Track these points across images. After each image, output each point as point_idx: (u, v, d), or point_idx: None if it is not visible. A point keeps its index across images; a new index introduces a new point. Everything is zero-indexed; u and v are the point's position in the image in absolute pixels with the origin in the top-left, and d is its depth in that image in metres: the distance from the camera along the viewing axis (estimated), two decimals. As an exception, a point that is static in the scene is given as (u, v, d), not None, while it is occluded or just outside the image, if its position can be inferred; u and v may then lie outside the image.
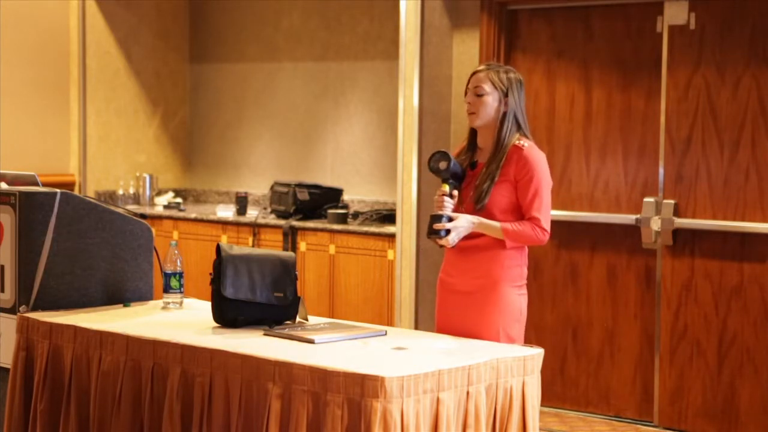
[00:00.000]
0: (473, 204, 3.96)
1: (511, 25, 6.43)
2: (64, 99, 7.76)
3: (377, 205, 7.14)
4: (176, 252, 4.29)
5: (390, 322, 6.32)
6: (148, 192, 7.82)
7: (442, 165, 3.96)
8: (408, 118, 6.34)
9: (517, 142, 3.99)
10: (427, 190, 6.25)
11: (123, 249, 4.38)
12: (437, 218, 3.91)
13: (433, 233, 3.92)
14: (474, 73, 4.06)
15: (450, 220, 3.91)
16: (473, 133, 4.11)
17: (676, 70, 5.93)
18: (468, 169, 4.04)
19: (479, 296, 3.96)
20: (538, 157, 3.98)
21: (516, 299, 3.98)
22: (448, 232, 3.90)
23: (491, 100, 4.00)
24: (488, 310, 3.94)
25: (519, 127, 4.02)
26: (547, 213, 3.96)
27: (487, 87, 4.00)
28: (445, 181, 3.97)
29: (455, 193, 3.96)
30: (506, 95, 4.00)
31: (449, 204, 3.94)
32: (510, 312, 3.96)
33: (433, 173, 4.00)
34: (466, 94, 4.06)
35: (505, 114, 4.00)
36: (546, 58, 6.35)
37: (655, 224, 5.98)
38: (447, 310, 4.07)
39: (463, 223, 3.91)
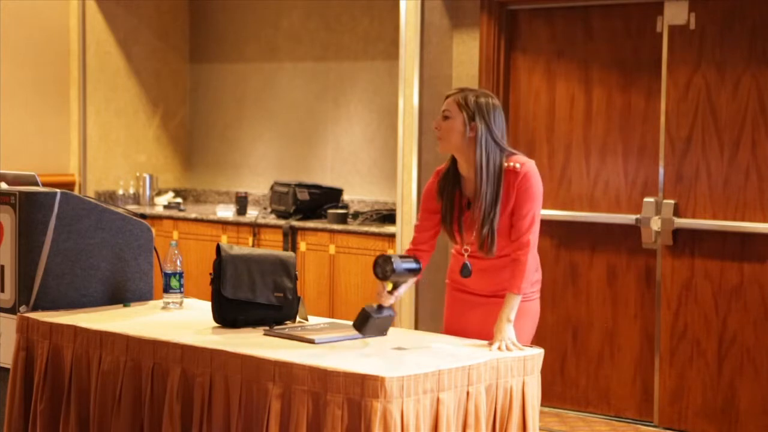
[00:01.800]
0: (480, 251, 3.85)
1: (511, 25, 6.43)
2: (64, 99, 7.76)
3: (377, 205, 7.14)
4: (176, 252, 4.29)
5: (390, 322, 6.31)
6: (148, 192, 7.82)
7: (388, 270, 3.68)
8: (408, 118, 6.34)
9: (509, 165, 3.82)
10: (427, 190, 6.25)
11: (123, 249, 4.38)
12: (370, 312, 3.69)
13: (359, 326, 3.70)
14: (445, 99, 3.90)
15: (381, 309, 3.71)
16: (455, 160, 3.92)
17: (676, 70, 5.93)
18: (465, 209, 3.88)
19: (499, 300, 3.85)
20: (534, 174, 3.82)
21: (533, 303, 3.94)
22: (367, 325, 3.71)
23: (456, 123, 3.82)
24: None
25: (501, 150, 3.84)
26: (537, 231, 3.85)
27: (453, 110, 3.84)
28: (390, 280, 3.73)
29: (401, 290, 3.73)
30: (473, 119, 3.82)
31: (389, 299, 3.73)
32: (529, 317, 3.91)
33: (381, 280, 3.74)
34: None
35: (473, 139, 3.81)
36: (546, 58, 6.35)
37: (655, 224, 5.98)
38: (461, 310, 3.97)
39: (508, 331, 3.72)
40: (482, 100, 3.85)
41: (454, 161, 3.93)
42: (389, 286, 3.74)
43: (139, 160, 8.04)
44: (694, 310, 5.91)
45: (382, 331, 3.76)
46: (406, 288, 3.81)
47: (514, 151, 3.89)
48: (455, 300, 4.03)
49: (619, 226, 6.14)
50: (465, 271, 3.92)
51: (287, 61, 7.77)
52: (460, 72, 6.46)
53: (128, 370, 3.72)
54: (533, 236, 3.82)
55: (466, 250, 3.92)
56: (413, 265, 3.76)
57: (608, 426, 6.07)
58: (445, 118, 3.85)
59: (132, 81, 7.99)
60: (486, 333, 3.82)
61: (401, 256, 3.75)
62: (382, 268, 3.70)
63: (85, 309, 4.22)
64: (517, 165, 3.82)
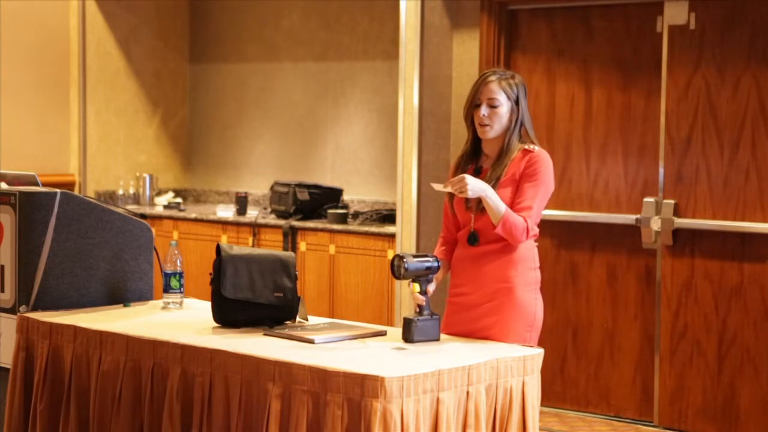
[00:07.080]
0: (476, 206, 3.91)
1: (511, 25, 6.43)
2: (64, 99, 7.76)
3: (377, 205, 7.14)
4: (176, 252, 4.29)
5: (390, 322, 6.32)
6: (148, 192, 7.82)
7: (402, 270, 3.72)
8: (408, 118, 6.34)
9: (527, 146, 3.91)
10: (427, 190, 6.25)
11: (123, 249, 4.38)
12: (411, 318, 3.70)
13: (405, 336, 3.71)
14: (484, 83, 3.92)
15: (421, 313, 3.72)
16: (477, 139, 4.00)
17: (676, 70, 5.93)
18: (473, 175, 3.93)
19: (493, 304, 3.87)
20: (546, 160, 3.90)
21: (531, 303, 3.90)
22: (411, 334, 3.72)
23: (505, 110, 3.90)
24: (502, 315, 3.86)
25: (525, 132, 3.96)
26: (538, 216, 3.88)
27: (501, 98, 3.89)
28: (414, 281, 3.76)
29: (429, 288, 3.77)
30: (517, 103, 3.92)
31: (424, 300, 3.75)
32: (525, 317, 3.87)
33: (399, 279, 3.82)
34: (475, 104, 3.92)
35: (514, 122, 3.92)
36: (546, 58, 6.35)
37: (655, 224, 5.98)
38: (458, 326, 3.95)
39: (480, 183, 3.79)
40: (518, 80, 3.96)
41: (474, 142, 4.00)
42: (416, 288, 3.75)
43: (139, 160, 8.04)
44: (694, 310, 5.91)
45: (431, 336, 3.72)
46: (434, 287, 3.83)
47: (533, 137, 3.98)
48: (452, 322, 3.98)
49: (619, 226, 6.14)
50: (472, 239, 3.92)
51: (287, 61, 7.76)
52: (460, 72, 6.46)
53: (128, 370, 3.72)
54: (534, 218, 3.84)
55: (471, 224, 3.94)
56: (428, 262, 3.78)
57: (608, 426, 6.07)
58: (493, 107, 3.90)
59: (132, 81, 7.99)
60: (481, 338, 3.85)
61: (415, 255, 3.77)
62: (397, 267, 3.73)
63: (85, 309, 4.22)
64: (535, 148, 3.92)
